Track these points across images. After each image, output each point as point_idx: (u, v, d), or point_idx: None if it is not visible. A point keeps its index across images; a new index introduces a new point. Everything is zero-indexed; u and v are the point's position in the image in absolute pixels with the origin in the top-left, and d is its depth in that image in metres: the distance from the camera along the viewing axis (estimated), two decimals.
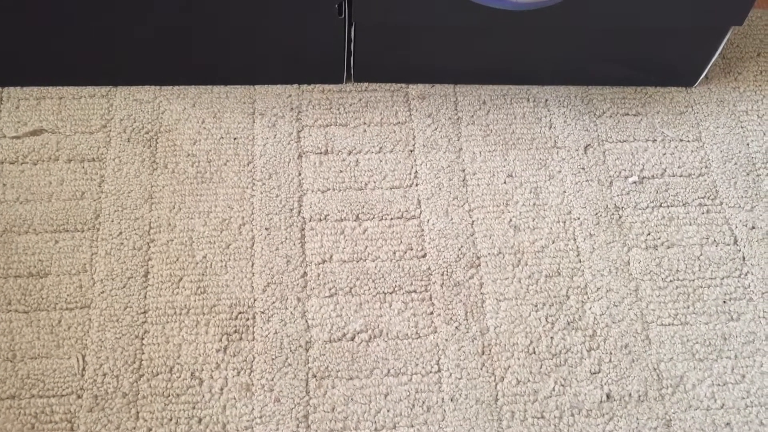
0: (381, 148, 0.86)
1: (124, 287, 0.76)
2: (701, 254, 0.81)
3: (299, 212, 0.82)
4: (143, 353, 0.73)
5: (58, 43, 0.84)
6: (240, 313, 0.76)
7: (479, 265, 0.80)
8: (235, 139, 0.86)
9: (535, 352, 0.75)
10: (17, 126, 0.85)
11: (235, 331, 0.75)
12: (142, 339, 0.74)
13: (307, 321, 0.76)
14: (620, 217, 0.83)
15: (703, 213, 0.84)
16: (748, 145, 0.89)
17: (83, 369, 0.72)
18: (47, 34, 0.83)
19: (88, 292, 0.76)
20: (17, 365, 0.72)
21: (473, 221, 0.82)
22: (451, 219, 0.82)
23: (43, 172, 0.83)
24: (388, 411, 0.72)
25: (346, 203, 0.83)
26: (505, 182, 0.85)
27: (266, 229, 0.81)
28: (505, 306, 0.77)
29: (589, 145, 0.88)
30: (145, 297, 0.76)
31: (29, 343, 0.73)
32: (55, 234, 0.79)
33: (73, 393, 0.71)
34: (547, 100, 0.91)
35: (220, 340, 0.74)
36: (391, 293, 0.78)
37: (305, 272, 0.78)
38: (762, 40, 0.97)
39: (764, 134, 0.90)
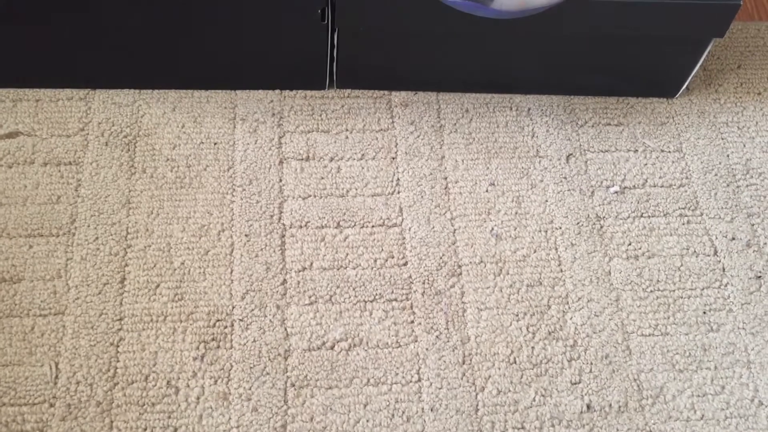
0: (363, 155, 0.86)
1: (99, 293, 0.75)
2: (681, 265, 0.82)
3: (279, 219, 0.81)
4: (118, 361, 0.72)
5: (36, 45, 0.82)
6: (218, 320, 0.75)
7: (460, 273, 0.79)
8: (215, 144, 0.85)
9: (515, 362, 0.75)
10: None
11: (213, 339, 0.74)
12: (118, 346, 0.73)
13: (286, 329, 0.75)
14: (601, 227, 0.83)
15: (683, 224, 0.84)
16: (728, 156, 0.90)
17: (56, 377, 0.71)
18: (24, 34, 0.81)
19: (63, 298, 0.75)
20: None
21: (455, 230, 0.82)
22: (433, 227, 0.82)
23: (18, 175, 0.81)
24: (367, 421, 0.71)
25: (327, 210, 0.82)
26: (487, 191, 0.85)
27: (246, 235, 0.80)
28: (486, 315, 0.77)
29: (571, 154, 0.88)
30: (121, 304, 0.75)
31: (1, 350, 0.72)
32: (29, 238, 0.78)
33: (46, 401, 0.70)
34: (529, 109, 0.91)
35: (197, 348, 0.73)
36: (371, 301, 0.77)
37: (285, 280, 0.77)
38: (742, 52, 0.97)
39: (744, 146, 0.90)
